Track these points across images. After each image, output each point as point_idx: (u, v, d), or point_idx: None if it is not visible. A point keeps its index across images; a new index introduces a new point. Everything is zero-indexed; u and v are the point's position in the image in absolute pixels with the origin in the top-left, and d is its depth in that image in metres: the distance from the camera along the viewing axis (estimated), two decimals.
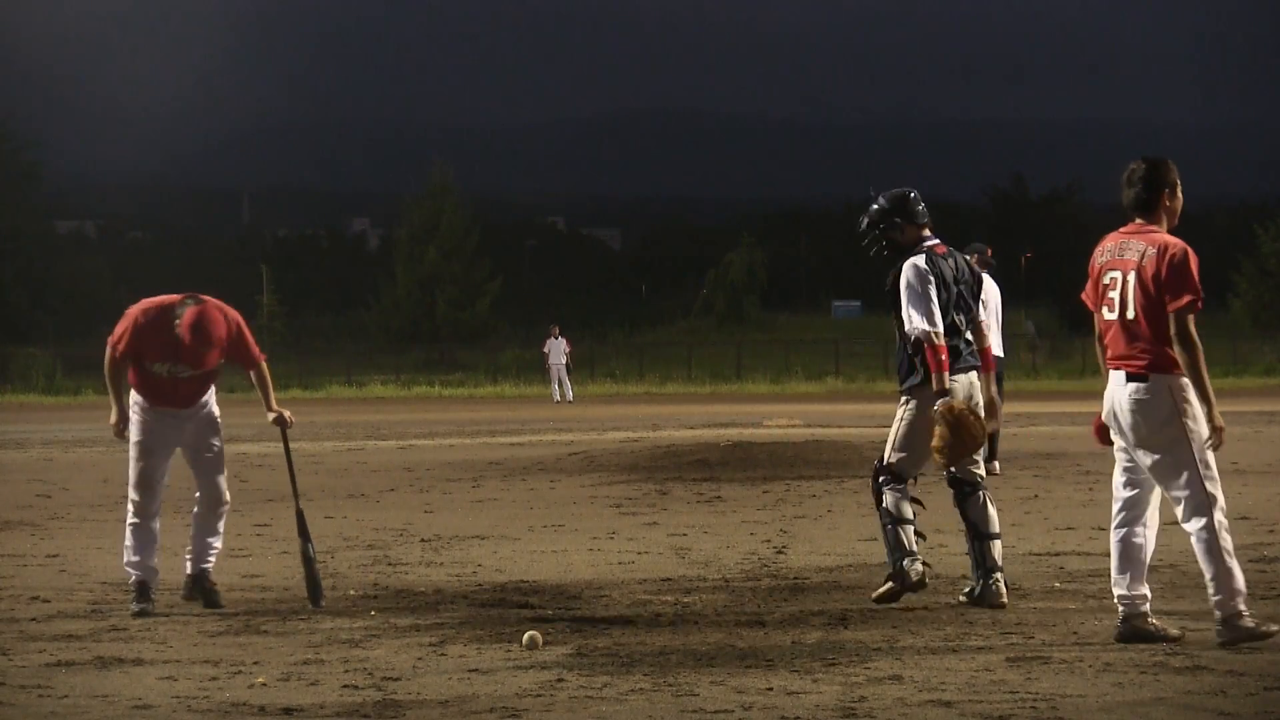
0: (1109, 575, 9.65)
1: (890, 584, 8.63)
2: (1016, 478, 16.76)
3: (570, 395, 43.13)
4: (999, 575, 8.60)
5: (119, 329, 9.16)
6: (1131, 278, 7.44)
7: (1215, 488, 7.42)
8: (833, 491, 15.68)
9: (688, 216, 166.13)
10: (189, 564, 9.22)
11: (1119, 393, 7.50)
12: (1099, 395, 7.73)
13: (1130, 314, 7.44)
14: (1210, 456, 7.42)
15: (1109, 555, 7.70)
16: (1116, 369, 7.53)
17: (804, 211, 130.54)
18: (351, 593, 9.50)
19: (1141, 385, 7.41)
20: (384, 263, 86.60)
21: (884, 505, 8.71)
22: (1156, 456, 7.43)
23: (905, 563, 8.62)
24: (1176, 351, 7.37)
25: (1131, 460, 7.57)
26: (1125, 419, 7.48)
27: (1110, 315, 7.52)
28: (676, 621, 8.30)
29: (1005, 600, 8.54)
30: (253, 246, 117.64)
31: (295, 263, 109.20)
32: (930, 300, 8.60)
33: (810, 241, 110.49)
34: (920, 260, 8.69)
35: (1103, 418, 7.63)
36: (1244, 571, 9.71)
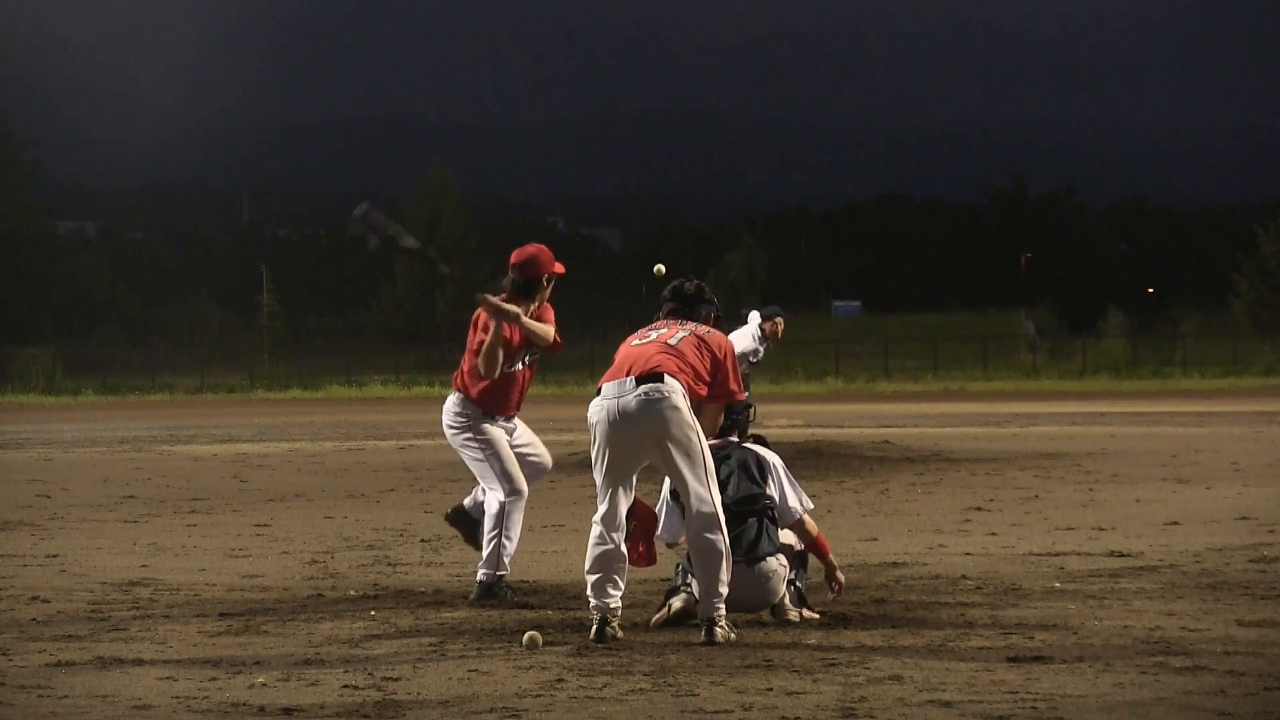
0: (1107, 575, 9.70)
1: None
2: (1016, 478, 16.76)
3: None
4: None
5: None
6: None
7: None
8: (833, 491, 15.68)
9: (688, 216, 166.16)
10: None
11: None
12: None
13: None
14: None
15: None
16: None
17: (804, 211, 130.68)
18: (351, 593, 9.50)
19: None
20: (384, 263, 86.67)
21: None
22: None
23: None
24: None
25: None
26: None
27: None
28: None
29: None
30: (253, 246, 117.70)
31: (295, 263, 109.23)
32: None
33: (810, 241, 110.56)
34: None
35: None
36: (1243, 571, 9.78)
